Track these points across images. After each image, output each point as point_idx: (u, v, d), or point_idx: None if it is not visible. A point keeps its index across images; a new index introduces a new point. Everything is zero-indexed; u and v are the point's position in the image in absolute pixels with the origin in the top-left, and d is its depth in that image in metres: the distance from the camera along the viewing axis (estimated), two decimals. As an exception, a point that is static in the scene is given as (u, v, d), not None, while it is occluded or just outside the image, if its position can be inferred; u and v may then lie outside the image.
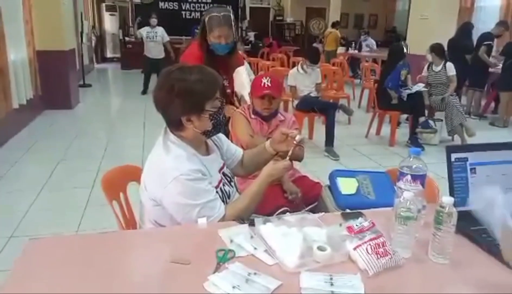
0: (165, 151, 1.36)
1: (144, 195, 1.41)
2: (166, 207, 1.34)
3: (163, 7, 11.73)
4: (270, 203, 1.79)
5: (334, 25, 11.05)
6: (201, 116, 1.35)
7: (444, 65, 5.16)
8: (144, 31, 7.68)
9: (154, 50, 7.67)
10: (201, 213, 1.31)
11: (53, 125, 5.47)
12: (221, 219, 1.35)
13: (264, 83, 2.18)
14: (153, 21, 7.69)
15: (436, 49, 5.25)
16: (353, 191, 1.59)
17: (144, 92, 7.69)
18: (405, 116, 5.41)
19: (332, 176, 1.70)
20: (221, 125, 1.43)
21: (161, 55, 7.73)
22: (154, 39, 7.64)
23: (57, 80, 6.10)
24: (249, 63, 7.53)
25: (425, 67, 5.37)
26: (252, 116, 2.25)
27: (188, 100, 1.32)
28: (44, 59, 5.85)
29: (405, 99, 4.94)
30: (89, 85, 8.40)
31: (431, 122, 4.96)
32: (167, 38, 7.77)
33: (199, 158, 1.40)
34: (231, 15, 2.31)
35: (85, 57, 9.26)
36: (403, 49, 5.19)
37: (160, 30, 7.70)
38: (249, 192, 1.44)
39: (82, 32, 8.60)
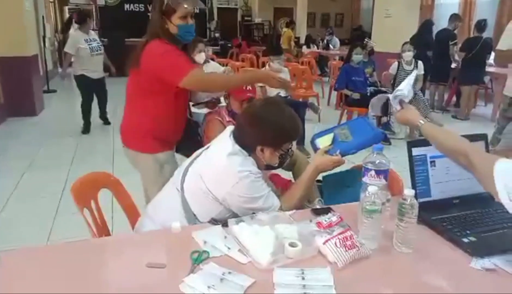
0: (234, 155, 1.44)
1: (197, 186, 1.45)
2: (231, 203, 1.42)
3: (128, 9, 11.51)
4: None
5: (288, 24, 11.30)
6: (274, 153, 1.47)
7: (416, 64, 5.28)
8: (80, 41, 4.92)
9: (99, 66, 5.18)
10: (265, 203, 1.43)
11: (17, 133, 5.29)
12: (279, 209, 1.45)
13: (247, 86, 2.28)
14: (93, 24, 5.25)
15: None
16: (329, 142, 1.64)
17: (87, 129, 5.31)
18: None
19: (313, 140, 1.75)
20: (283, 165, 1.56)
21: (103, 72, 5.31)
22: (100, 50, 5.11)
23: (20, 87, 5.90)
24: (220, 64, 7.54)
25: (394, 66, 5.33)
26: (227, 118, 2.28)
27: (273, 135, 1.45)
28: (6, 66, 5.65)
29: (368, 94, 5.10)
30: (54, 91, 8.16)
31: (392, 123, 5.15)
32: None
33: None
34: None
35: (49, 62, 8.98)
36: (351, 50, 5.30)
37: (97, 37, 5.28)
38: (300, 186, 1.57)
39: (44, 37, 8.35)
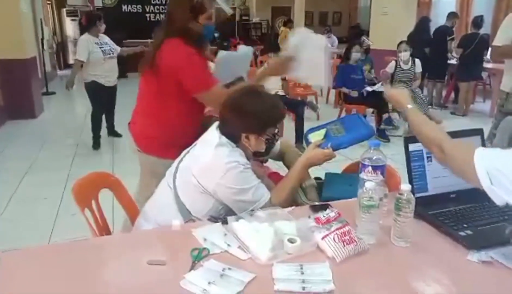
0: (221, 147, 1.46)
1: (188, 181, 1.47)
2: (221, 196, 1.44)
3: (126, 10, 11.51)
4: None
5: (285, 23, 11.31)
6: (259, 138, 1.49)
7: (413, 62, 5.31)
8: (90, 44, 4.45)
9: (113, 72, 4.69)
10: (255, 194, 1.43)
11: (17, 136, 5.30)
12: (269, 205, 1.44)
13: None
14: (104, 27, 4.63)
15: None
16: (321, 137, 1.65)
17: (97, 144, 4.76)
18: (370, 110, 5.58)
19: (306, 136, 1.77)
20: (271, 150, 1.58)
21: (116, 77, 4.79)
22: (112, 54, 4.64)
23: (19, 89, 5.91)
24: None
25: (392, 65, 5.37)
26: None
27: (255, 121, 1.46)
28: (4, 68, 5.67)
29: (365, 94, 5.13)
30: (53, 93, 8.17)
31: (393, 118, 5.17)
32: (118, 48, 4.83)
33: None
34: None
35: (48, 64, 8.98)
36: (349, 48, 5.32)
37: (108, 40, 4.72)
38: (290, 179, 1.56)
39: (43, 39, 8.35)
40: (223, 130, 1.50)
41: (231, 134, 1.49)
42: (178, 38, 1.77)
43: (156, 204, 1.57)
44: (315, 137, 1.68)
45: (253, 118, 1.46)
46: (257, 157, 1.59)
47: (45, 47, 8.59)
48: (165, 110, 1.86)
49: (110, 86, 4.68)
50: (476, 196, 1.40)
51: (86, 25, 4.63)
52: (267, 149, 1.54)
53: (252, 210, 1.38)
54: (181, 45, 1.77)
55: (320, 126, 1.76)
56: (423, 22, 6.89)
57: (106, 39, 4.69)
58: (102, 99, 4.69)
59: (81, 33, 4.72)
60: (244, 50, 2.16)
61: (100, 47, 4.53)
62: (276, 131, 1.54)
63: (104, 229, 1.64)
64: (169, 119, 1.87)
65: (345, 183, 1.72)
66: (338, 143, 1.60)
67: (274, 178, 2.22)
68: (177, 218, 1.42)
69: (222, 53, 2.09)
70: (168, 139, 1.87)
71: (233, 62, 2.12)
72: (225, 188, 1.42)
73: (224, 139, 1.48)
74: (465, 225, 1.27)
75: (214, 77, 1.88)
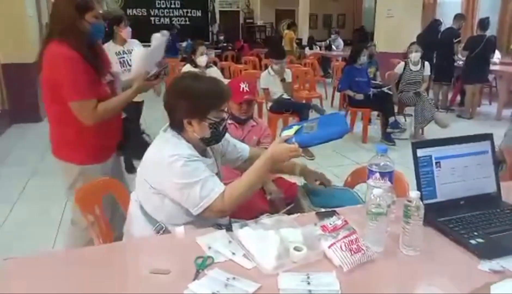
0: (164, 142, 1.44)
1: (143, 186, 1.44)
2: (169, 192, 1.38)
3: (131, 14, 11.58)
4: (252, 209, 1.80)
5: (289, 26, 11.34)
6: (202, 123, 1.42)
7: (423, 64, 5.26)
8: (111, 55, 3.17)
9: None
10: (204, 188, 1.35)
11: (22, 139, 5.32)
12: (221, 200, 1.35)
13: (243, 88, 2.24)
14: (128, 31, 3.81)
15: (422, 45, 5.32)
16: (291, 133, 1.48)
17: (132, 167, 3.01)
18: (376, 112, 5.54)
19: (280, 132, 1.60)
20: (220, 136, 1.49)
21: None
22: (129, 65, 3.75)
23: (24, 93, 5.93)
24: (222, 69, 7.53)
25: (401, 66, 5.31)
26: (229, 121, 2.27)
27: (194, 104, 1.40)
28: (10, 72, 5.70)
29: (371, 96, 5.09)
30: (59, 97, 8.21)
31: (400, 121, 5.12)
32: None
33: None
34: None
35: (53, 68, 9.03)
36: (357, 51, 5.24)
37: (137, 45, 3.87)
38: (249, 173, 1.41)
39: (48, 43, 8.40)
40: (169, 121, 1.47)
41: (175, 122, 1.45)
42: (62, 41, 1.70)
43: (129, 220, 1.54)
44: (286, 133, 1.52)
45: (192, 100, 1.40)
46: (206, 145, 1.50)
47: (50, 51, 8.63)
48: (71, 115, 1.78)
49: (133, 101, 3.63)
50: (487, 203, 1.39)
51: (109, 32, 3.84)
52: (213, 135, 1.45)
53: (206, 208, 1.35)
54: (64, 49, 1.70)
55: (298, 123, 1.60)
56: (433, 25, 6.83)
57: (133, 46, 3.84)
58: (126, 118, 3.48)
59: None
60: (157, 42, 2.01)
61: (120, 58, 3.75)
62: (223, 116, 1.46)
63: (107, 235, 1.62)
64: (76, 123, 1.79)
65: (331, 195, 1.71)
66: (305, 139, 1.44)
67: (279, 183, 2.21)
68: (147, 229, 1.41)
69: (136, 53, 2.04)
70: (83, 144, 1.87)
71: (149, 57, 2.02)
72: (170, 183, 1.36)
73: (169, 134, 1.45)
74: (475, 233, 1.24)
75: (92, 91, 1.77)
